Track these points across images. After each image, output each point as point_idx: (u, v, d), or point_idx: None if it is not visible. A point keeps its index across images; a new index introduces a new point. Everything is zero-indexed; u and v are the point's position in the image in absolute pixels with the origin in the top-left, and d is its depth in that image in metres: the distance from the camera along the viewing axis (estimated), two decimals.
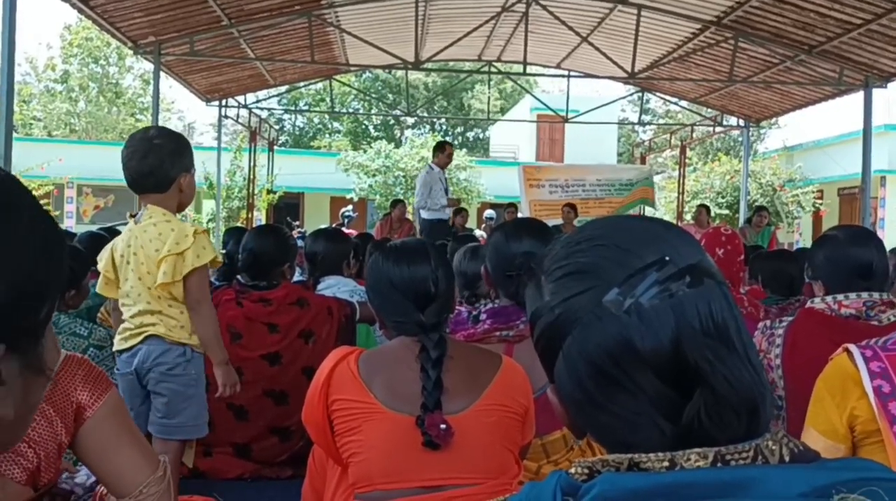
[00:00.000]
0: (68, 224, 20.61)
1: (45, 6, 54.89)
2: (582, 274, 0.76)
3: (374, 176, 21.56)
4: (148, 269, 2.68)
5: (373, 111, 31.73)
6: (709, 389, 0.70)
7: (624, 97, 17.64)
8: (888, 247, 2.88)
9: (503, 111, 31.72)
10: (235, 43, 10.48)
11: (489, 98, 25.70)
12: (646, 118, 27.35)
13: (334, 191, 22.74)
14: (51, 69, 29.47)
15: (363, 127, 36.62)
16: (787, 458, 0.71)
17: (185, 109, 39.60)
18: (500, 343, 2.21)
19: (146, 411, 2.75)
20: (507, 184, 18.36)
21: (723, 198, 19.27)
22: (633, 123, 26.08)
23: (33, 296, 0.73)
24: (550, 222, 8.09)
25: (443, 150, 9.25)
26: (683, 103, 15.80)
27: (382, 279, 1.88)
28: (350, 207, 15.13)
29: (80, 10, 8.22)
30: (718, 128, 16.19)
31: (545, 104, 16.26)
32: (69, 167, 19.65)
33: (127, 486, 1.38)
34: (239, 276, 3.71)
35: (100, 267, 2.80)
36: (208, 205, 19.39)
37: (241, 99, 14.28)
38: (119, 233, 3.42)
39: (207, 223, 17.63)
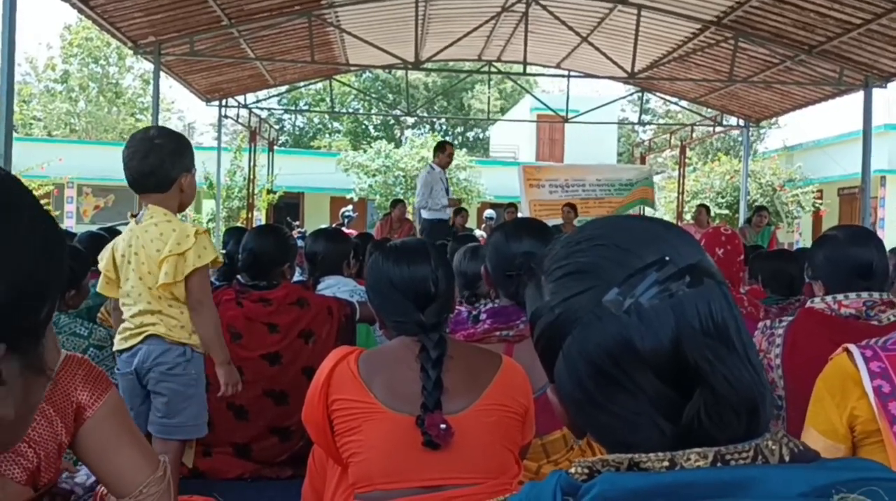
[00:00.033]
0: (68, 224, 20.61)
1: (45, 6, 54.93)
2: (582, 274, 0.76)
3: (374, 176, 21.56)
4: (149, 269, 2.68)
5: (373, 111, 31.73)
6: (709, 389, 0.70)
7: (624, 97, 17.64)
8: (888, 246, 2.88)
9: (503, 111, 31.72)
10: (235, 43, 10.48)
11: (489, 98, 25.71)
12: (646, 118, 27.35)
13: (334, 191, 22.75)
14: (51, 69, 29.48)
15: (363, 127, 36.62)
16: (787, 458, 0.71)
17: (185, 109, 39.71)
18: (500, 343, 2.21)
19: (146, 411, 2.75)
20: (507, 184, 18.36)
21: (723, 198, 19.28)
22: (633, 123, 26.08)
23: (34, 296, 0.73)
24: (550, 222, 8.09)
25: (443, 150, 9.25)
26: (683, 103, 15.81)
27: (382, 279, 1.88)
28: (350, 207, 15.13)
29: (80, 10, 8.22)
30: (718, 128, 16.19)
31: (545, 104, 16.26)
32: (69, 167, 19.65)
33: (127, 486, 1.38)
34: (239, 276, 3.71)
35: (101, 266, 2.80)
36: (208, 205, 19.39)
37: (241, 99, 14.28)
38: (119, 232, 3.42)
39: (207, 223, 17.63)
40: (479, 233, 13.15)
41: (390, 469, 1.74)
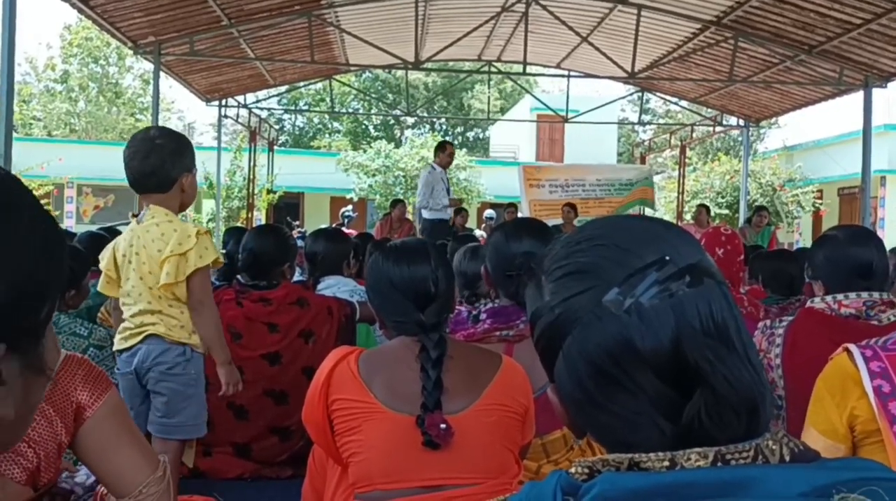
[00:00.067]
0: (68, 224, 20.61)
1: (45, 6, 54.93)
2: (582, 274, 0.76)
3: (373, 176, 21.56)
4: (150, 269, 2.69)
5: (373, 111, 31.73)
6: (709, 389, 0.70)
7: (624, 97, 17.64)
8: (888, 246, 2.88)
9: (503, 111, 31.71)
10: (235, 43, 10.48)
11: (489, 98, 25.71)
12: (646, 118, 27.35)
13: (334, 190, 22.74)
14: (51, 69, 29.48)
15: (363, 127, 36.61)
16: (787, 458, 0.71)
17: (185, 109, 39.70)
18: (500, 342, 2.21)
19: (146, 410, 2.75)
20: (507, 184, 18.35)
21: (723, 197, 19.28)
22: (633, 123, 26.09)
23: (34, 296, 0.73)
24: (550, 222, 8.09)
25: (444, 150, 9.26)
26: (683, 103, 15.81)
27: (382, 279, 1.88)
28: (350, 207, 15.13)
29: (80, 10, 8.22)
30: (718, 128, 16.19)
31: (545, 104, 16.26)
32: (69, 167, 19.65)
33: (127, 486, 1.38)
34: (239, 276, 3.71)
35: (101, 265, 2.81)
36: (208, 205, 19.39)
37: (240, 99, 14.28)
38: (119, 232, 3.42)
39: (207, 223, 17.63)
40: (479, 233, 13.15)
41: (390, 468, 1.74)
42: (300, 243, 4.84)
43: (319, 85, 19.41)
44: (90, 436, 1.39)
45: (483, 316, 2.35)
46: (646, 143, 20.40)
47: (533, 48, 11.28)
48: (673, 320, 0.71)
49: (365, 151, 23.07)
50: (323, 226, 6.69)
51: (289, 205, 21.20)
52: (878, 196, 18.40)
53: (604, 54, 10.81)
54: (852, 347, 1.67)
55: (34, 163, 16.30)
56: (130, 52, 10.79)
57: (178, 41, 9.82)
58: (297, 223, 18.02)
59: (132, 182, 2.73)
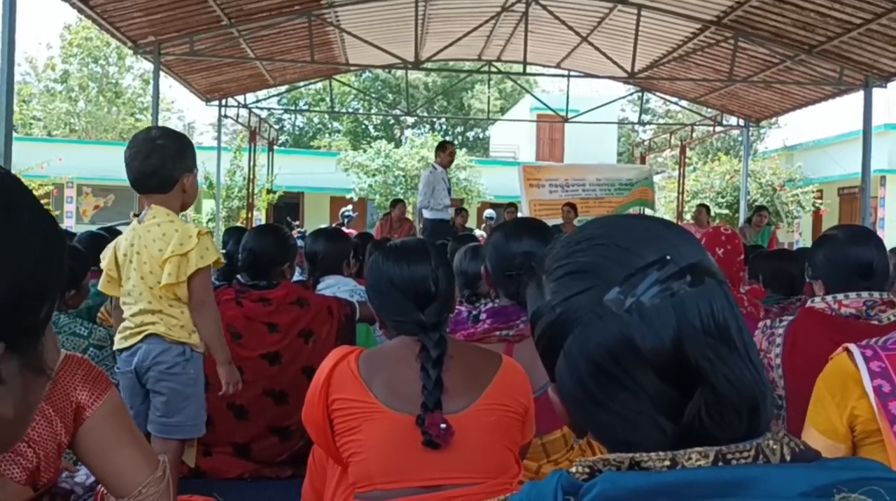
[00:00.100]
0: (68, 224, 20.61)
1: (45, 6, 54.94)
2: (583, 274, 0.76)
3: (373, 175, 21.56)
4: (150, 269, 2.69)
5: (373, 111, 31.73)
6: (710, 388, 0.70)
7: (624, 97, 17.64)
8: (888, 246, 2.88)
9: (503, 111, 31.71)
10: (235, 43, 10.48)
11: (489, 98, 25.71)
12: (646, 118, 27.35)
13: (334, 190, 22.75)
14: (51, 69, 29.47)
15: (363, 127, 36.61)
16: (788, 457, 0.71)
17: (184, 109, 39.65)
18: (500, 342, 2.21)
19: (146, 410, 2.76)
20: (507, 184, 18.36)
21: (723, 197, 19.28)
22: (633, 123, 26.07)
23: (33, 296, 0.73)
24: (550, 222, 8.08)
25: (444, 150, 9.27)
26: (683, 103, 15.81)
27: (382, 278, 1.88)
28: (350, 207, 15.13)
29: (80, 10, 8.22)
30: (718, 128, 16.20)
31: (545, 104, 16.26)
32: (69, 167, 19.66)
33: (126, 486, 1.38)
34: (239, 276, 3.71)
35: (103, 265, 2.82)
36: (208, 205, 19.39)
37: (240, 98, 14.28)
38: (119, 232, 3.43)
39: (207, 223, 17.63)
40: (479, 232, 13.15)
41: (390, 468, 1.74)
42: (300, 243, 4.84)
43: (319, 85, 19.42)
44: (90, 436, 1.39)
45: (483, 315, 2.35)
46: (646, 143, 20.40)
47: (533, 48, 11.28)
48: (674, 319, 0.71)
49: (365, 151, 23.07)
50: (323, 226, 6.69)
51: (289, 205, 21.20)
52: (878, 196, 18.40)
53: (604, 54, 10.81)
54: (852, 347, 1.67)
55: (34, 163, 16.31)
56: (130, 51, 10.79)
57: (177, 41, 9.82)
58: (297, 223, 18.02)
59: (133, 182, 2.74)
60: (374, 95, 31.24)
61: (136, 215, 2.90)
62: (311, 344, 3.50)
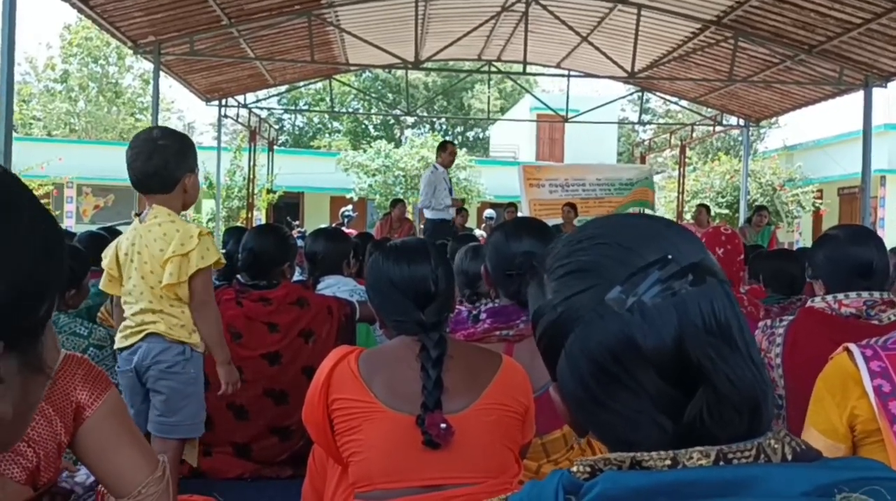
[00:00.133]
0: (68, 224, 20.61)
1: (45, 6, 54.92)
2: (584, 273, 0.76)
3: (373, 175, 21.56)
4: (151, 268, 2.70)
5: (373, 111, 31.73)
6: (711, 388, 0.70)
7: (624, 97, 17.64)
8: (888, 246, 2.88)
9: (503, 111, 31.71)
10: (235, 42, 10.48)
11: (489, 98, 25.70)
12: (646, 118, 27.36)
13: (334, 190, 22.75)
14: (50, 69, 29.47)
15: (363, 126, 36.61)
16: (789, 457, 0.71)
17: (184, 109, 39.60)
18: (499, 342, 2.21)
19: (146, 409, 2.77)
20: (507, 184, 18.36)
21: (723, 197, 19.28)
22: (633, 123, 26.07)
23: (33, 296, 0.73)
24: (550, 222, 8.09)
25: (445, 149, 9.28)
26: (683, 103, 15.80)
27: (382, 278, 1.88)
28: (350, 207, 15.13)
29: (80, 10, 8.22)
30: (718, 128, 16.20)
31: (545, 104, 16.26)
32: (69, 167, 19.66)
33: (126, 486, 1.38)
34: (239, 276, 3.71)
35: (104, 264, 2.83)
36: (208, 205, 19.40)
37: (240, 98, 14.28)
38: (119, 232, 3.43)
39: (207, 223, 17.63)
40: (479, 232, 13.15)
41: (390, 468, 1.74)
42: (300, 243, 4.84)
43: (319, 84, 19.42)
44: (89, 436, 1.38)
45: (483, 315, 2.35)
46: (646, 143, 20.40)
47: (533, 48, 11.28)
48: (675, 319, 0.71)
49: (365, 151, 23.08)
50: (323, 226, 6.69)
51: (289, 205, 21.21)
52: (878, 196, 18.40)
53: (604, 54, 10.81)
54: (852, 347, 1.67)
55: (34, 162, 16.32)
56: (130, 51, 10.79)
57: (177, 41, 9.82)
58: (297, 223, 18.02)
59: (135, 182, 2.75)
60: (374, 95, 31.24)
61: (137, 214, 2.91)
62: (311, 343, 3.50)
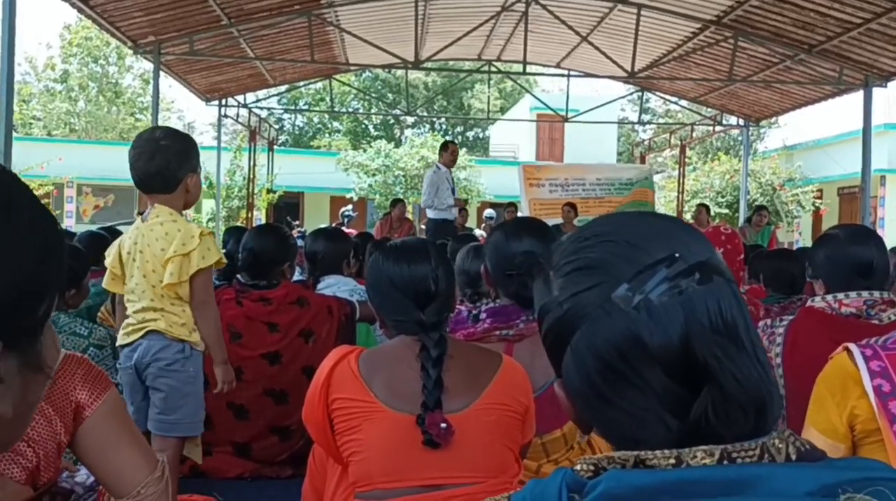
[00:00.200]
0: (68, 223, 20.61)
1: (45, 6, 54.91)
2: (590, 270, 0.76)
3: (373, 175, 21.56)
4: (153, 267, 2.72)
5: (372, 111, 31.73)
6: (717, 386, 0.70)
7: (624, 96, 17.64)
8: (888, 246, 2.88)
9: (503, 110, 31.71)
10: (235, 42, 10.48)
11: (489, 97, 25.67)
12: (645, 117, 27.35)
13: (334, 190, 22.75)
14: (50, 69, 29.46)
15: (363, 126, 36.61)
16: (793, 457, 0.71)
17: (184, 109, 39.56)
18: (499, 342, 2.20)
19: (146, 407, 2.78)
20: (507, 184, 18.36)
21: (722, 197, 19.27)
22: (632, 123, 26.07)
23: (33, 296, 0.73)
24: (550, 221, 8.07)
25: (446, 149, 9.30)
26: (683, 103, 15.80)
27: (383, 278, 1.88)
28: (350, 207, 15.13)
29: (80, 10, 8.22)
30: (718, 128, 16.20)
31: (545, 103, 16.27)
32: (69, 167, 19.66)
33: (125, 486, 1.38)
34: (239, 275, 3.71)
35: (107, 262, 2.85)
36: (208, 205, 19.39)
37: (240, 98, 14.29)
38: (119, 232, 3.43)
39: (207, 222, 17.63)
40: (479, 232, 13.15)
41: (390, 468, 1.74)
42: (300, 242, 4.84)
43: (319, 84, 19.42)
44: (89, 436, 1.38)
45: (483, 315, 2.35)
46: (646, 143, 20.41)
47: (533, 48, 11.28)
48: (682, 317, 0.71)
49: (365, 151, 23.08)
50: (323, 226, 6.69)
51: (289, 205, 21.21)
52: (877, 195, 18.40)
53: (604, 54, 10.81)
54: (852, 346, 1.67)
55: (34, 162, 16.31)
56: (130, 51, 10.79)
57: (177, 41, 9.82)
58: (297, 222, 18.02)
59: (137, 182, 2.77)
60: (374, 95, 31.24)
61: (140, 213, 2.92)
62: (311, 343, 3.50)
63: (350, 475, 1.77)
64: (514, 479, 1.81)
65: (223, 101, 13.73)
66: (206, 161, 13.82)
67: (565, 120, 14.77)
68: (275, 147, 17.91)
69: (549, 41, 12.19)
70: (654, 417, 0.72)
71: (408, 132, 35.22)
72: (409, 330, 1.84)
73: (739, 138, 17.88)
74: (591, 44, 10.90)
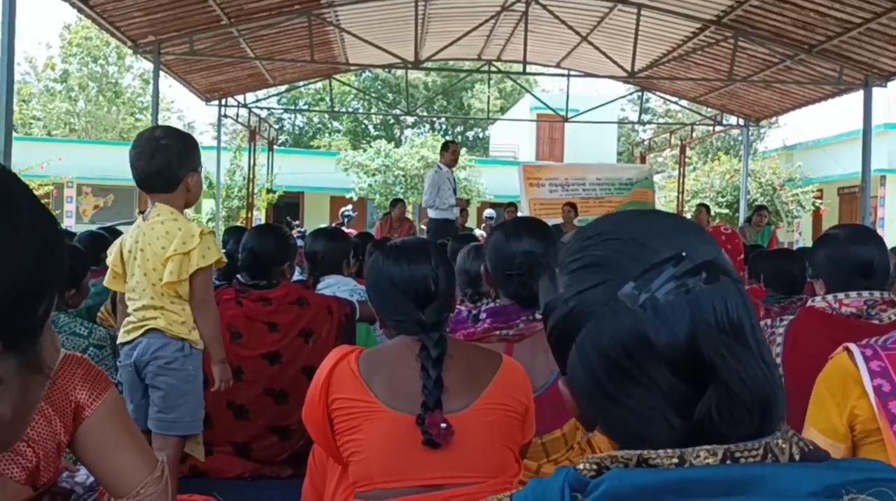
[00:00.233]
0: (68, 223, 20.60)
1: (45, 6, 54.89)
2: (597, 267, 0.76)
3: (373, 175, 21.56)
4: (153, 266, 2.73)
5: (372, 110, 31.72)
6: (722, 386, 0.70)
7: (624, 96, 17.64)
8: (889, 246, 2.88)
9: (503, 110, 31.71)
10: (235, 42, 10.48)
11: (489, 97, 25.66)
12: (645, 117, 27.34)
13: (334, 190, 22.75)
14: (50, 68, 29.46)
15: (363, 126, 36.61)
16: (797, 457, 0.71)
17: (184, 109, 39.48)
18: (499, 342, 2.20)
19: (146, 404, 2.79)
20: (507, 184, 18.35)
21: (722, 197, 19.28)
22: (632, 123, 26.06)
23: (33, 296, 0.73)
24: (550, 221, 8.06)
25: (448, 149, 9.31)
26: (683, 102, 15.80)
27: (383, 278, 1.88)
28: (350, 207, 15.13)
29: (80, 10, 8.22)
30: (718, 128, 16.20)
31: (545, 103, 16.28)
32: (69, 166, 19.66)
33: (125, 486, 1.38)
34: (239, 275, 3.71)
35: (108, 261, 2.86)
36: (208, 205, 19.39)
37: (240, 98, 14.29)
38: (119, 232, 3.44)
39: (207, 222, 17.63)
40: (479, 232, 13.15)
41: (390, 468, 1.73)
42: (300, 242, 4.84)
43: (319, 84, 19.42)
44: (89, 436, 1.38)
45: (483, 315, 2.35)
46: (646, 143, 20.40)
47: (533, 47, 11.28)
48: (688, 316, 0.71)
49: (365, 151, 23.08)
50: (323, 226, 6.69)
51: (289, 205, 21.21)
52: (877, 195, 18.40)
53: (604, 54, 10.81)
54: (852, 346, 1.67)
55: (34, 162, 16.30)
56: (130, 51, 10.79)
57: (177, 40, 9.82)
58: (297, 222, 18.02)
59: (138, 181, 2.79)
60: (373, 95, 31.23)
61: (141, 212, 2.93)
62: (311, 343, 3.50)
63: (350, 475, 1.77)
64: (514, 479, 1.81)
65: (223, 101, 13.73)
66: (206, 161, 13.80)
67: (565, 120, 14.77)
68: (275, 147, 17.91)
69: (549, 41, 12.19)
70: (659, 416, 0.72)
71: (408, 132, 35.22)
72: (409, 330, 1.84)
73: (739, 138, 17.88)
74: (591, 44, 10.90)
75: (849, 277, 2.23)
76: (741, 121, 14.32)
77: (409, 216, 12.30)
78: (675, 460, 0.69)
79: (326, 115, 36.30)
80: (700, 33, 10.46)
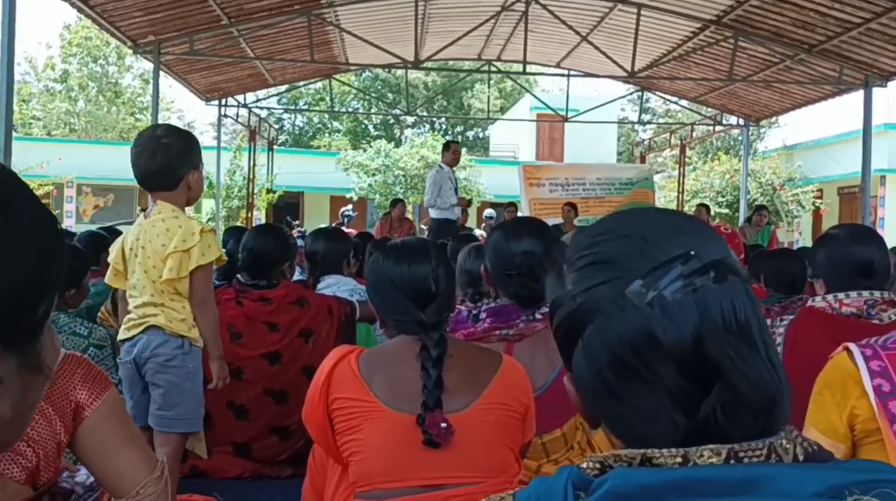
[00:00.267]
0: (68, 223, 20.60)
1: (45, 6, 54.89)
2: (605, 264, 0.76)
3: (373, 175, 21.56)
4: (154, 263, 2.74)
5: (372, 110, 31.72)
6: (727, 386, 0.69)
7: (624, 96, 17.64)
8: (889, 246, 2.88)
9: (503, 110, 31.70)
10: (235, 42, 10.48)
11: (489, 97, 25.65)
12: (645, 117, 27.34)
13: (334, 190, 22.75)
14: (50, 68, 29.46)
15: (363, 126, 36.61)
16: (801, 457, 0.70)
17: (184, 108, 39.43)
18: (499, 342, 2.20)
19: (146, 401, 2.79)
20: (507, 184, 18.35)
21: (722, 197, 19.28)
22: (632, 122, 26.07)
23: (33, 296, 0.73)
24: (550, 221, 8.07)
25: (449, 149, 9.32)
26: (683, 102, 15.80)
27: (383, 278, 1.88)
28: (350, 206, 15.13)
29: (80, 10, 8.22)
30: (718, 128, 16.20)
31: (545, 103, 16.28)
32: (69, 166, 19.66)
33: (125, 486, 1.38)
34: (239, 275, 3.71)
35: (110, 258, 2.88)
36: (208, 205, 19.39)
37: (240, 98, 14.29)
38: (119, 232, 3.45)
39: (207, 222, 17.61)
40: (479, 232, 13.15)
41: (391, 467, 1.73)
42: (300, 242, 4.84)
43: (319, 84, 19.42)
44: (89, 436, 1.38)
45: (483, 315, 2.35)
46: (646, 143, 20.40)
47: (533, 47, 11.28)
48: (696, 315, 0.71)
49: (365, 151, 23.07)
50: (323, 226, 6.69)
51: (289, 205, 21.21)
52: (878, 195, 18.40)
53: (604, 53, 10.81)
54: (852, 346, 1.67)
55: (34, 162, 16.30)
56: (130, 51, 10.79)
57: (177, 40, 9.82)
58: (297, 222, 18.02)
59: (140, 180, 2.80)
60: (373, 95, 31.23)
61: (143, 210, 2.94)
62: (311, 343, 3.50)
63: (350, 475, 1.77)
64: (514, 479, 1.81)
65: (223, 101, 13.74)
66: (206, 161, 13.81)
67: (565, 120, 14.77)
68: (275, 147, 17.92)
69: (549, 41, 12.19)
70: (664, 414, 0.72)
71: (408, 132, 35.21)
72: (409, 330, 1.84)
73: (739, 138, 17.88)
74: (591, 43, 10.90)
75: (849, 277, 2.23)
76: (741, 121, 14.32)
77: (409, 216, 12.30)
78: (679, 459, 0.69)
79: (326, 115, 36.30)
80: (700, 33, 10.46)
